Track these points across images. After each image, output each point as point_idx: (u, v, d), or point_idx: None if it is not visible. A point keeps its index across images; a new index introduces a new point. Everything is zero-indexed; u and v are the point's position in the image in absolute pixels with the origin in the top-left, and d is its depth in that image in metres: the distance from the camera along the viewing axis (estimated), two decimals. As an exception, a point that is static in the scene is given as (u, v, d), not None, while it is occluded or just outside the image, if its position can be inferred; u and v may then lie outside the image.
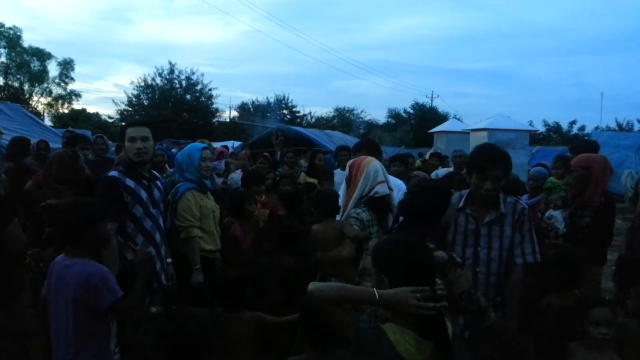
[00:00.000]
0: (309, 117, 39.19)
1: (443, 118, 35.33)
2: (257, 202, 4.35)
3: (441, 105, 48.79)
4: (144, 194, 3.08)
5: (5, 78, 35.58)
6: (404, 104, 56.36)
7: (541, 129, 35.22)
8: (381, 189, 3.13)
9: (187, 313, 2.30)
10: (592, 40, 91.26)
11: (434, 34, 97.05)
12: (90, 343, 2.32)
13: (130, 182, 3.03)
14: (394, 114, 44.38)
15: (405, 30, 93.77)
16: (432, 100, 44.54)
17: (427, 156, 10.07)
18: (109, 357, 2.42)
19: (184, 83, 33.95)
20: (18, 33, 35.17)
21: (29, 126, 9.70)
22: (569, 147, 6.81)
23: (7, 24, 35.00)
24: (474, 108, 74.73)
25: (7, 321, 2.57)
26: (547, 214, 4.34)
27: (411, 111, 43.60)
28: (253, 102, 39.54)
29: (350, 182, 3.25)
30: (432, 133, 15.14)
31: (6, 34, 34.85)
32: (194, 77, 33.98)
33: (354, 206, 3.19)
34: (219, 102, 37.94)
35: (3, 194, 4.11)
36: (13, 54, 35.07)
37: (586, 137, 21.81)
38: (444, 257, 2.19)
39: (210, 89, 34.50)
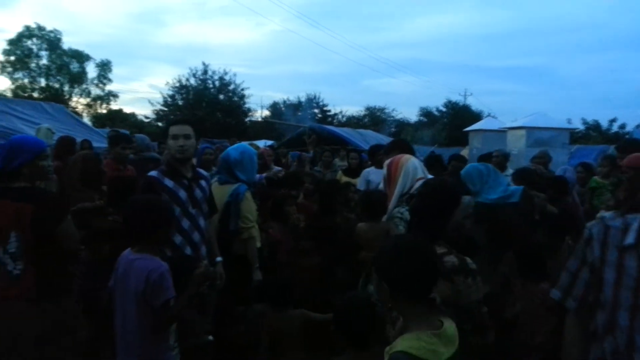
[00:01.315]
0: (340, 116, 39.22)
1: (477, 116, 34.74)
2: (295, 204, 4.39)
3: (475, 103, 47.99)
4: (182, 194, 3.11)
5: (47, 79, 36.94)
6: (436, 102, 55.82)
7: (580, 127, 34.16)
8: None
9: (248, 311, 2.34)
10: (630, 36, 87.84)
11: (465, 31, 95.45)
12: (151, 336, 2.37)
13: (168, 182, 3.09)
14: (426, 113, 43.93)
15: (436, 28, 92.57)
16: (465, 98, 43.88)
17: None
18: (169, 351, 2.47)
19: (217, 83, 34.43)
20: (58, 36, 36.46)
21: (72, 126, 10.01)
22: (615, 146, 6.57)
23: (48, 27, 36.34)
24: (508, 106, 73.17)
25: (60, 316, 2.67)
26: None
27: (444, 109, 43.07)
28: (284, 102, 39.86)
29: (390, 180, 3.21)
30: (467, 132, 14.87)
31: (47, 37, 36.16)
32: (227, 78, 34.44)
33: (395, 205, 3.15)
34: (251, 102, 38.38)
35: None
36: (53, 56, 36.34)
37: (627, 136, 21.01)
38: (454, 262, 2.05)
39: (242, 89, 34.92)
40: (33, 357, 2.58)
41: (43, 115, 10.04)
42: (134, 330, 2.35)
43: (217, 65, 45.57)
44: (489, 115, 28.38)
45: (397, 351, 1.51)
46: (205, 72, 34.25)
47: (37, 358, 2.59)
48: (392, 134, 27.98)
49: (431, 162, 5.88)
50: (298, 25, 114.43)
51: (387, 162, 3.33)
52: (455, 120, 37.25)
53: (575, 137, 25.48)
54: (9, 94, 33.19)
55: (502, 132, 12.76)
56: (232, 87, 34.61)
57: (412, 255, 1.61)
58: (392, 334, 1.86)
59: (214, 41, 75.58)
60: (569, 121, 25.68)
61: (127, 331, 2.38)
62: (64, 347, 2.70)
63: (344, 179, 5.89)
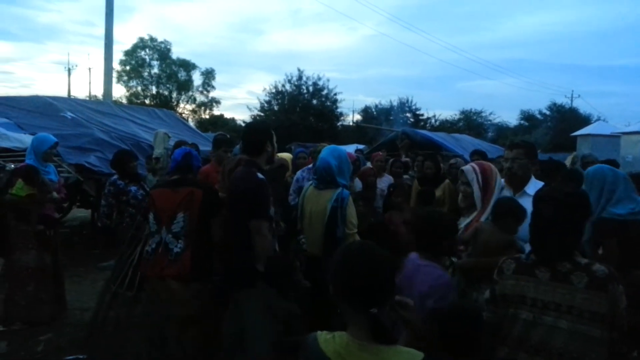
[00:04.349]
0: (433, 120, 38.33)
1: (585, 120, 32.30)
2: None
3: (582, 106, 44.40)
4: None
5: (157, 87, 40.18)
6: (538, 105, 52.65)
7: None
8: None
9: None
10: None
11: (570, 30, 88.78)
12: None
13: None
14: (528, 116, 41.54)
15: (538, 27, 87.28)
16: (572, 101, 40.89)
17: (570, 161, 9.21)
18: None
19: (310, 89, 35.26)
20: (168, 46, 39.57)
21: (182, 130, 10.74)
22: None
23: (159, 39, 39.55)
24: (621, 109, 67.21)
25: (207, 299, 2.98)
26: None
27: (548, 112, 40.47)
28: (376, 106, 39.78)
29: (486, 186, 3.15)
30: (575, 136, 13.84)
31: (158, 48, 39.38)
32: (320, 83, 35.16)
33: (489, 211, 3.07)
34: (343, 106, 38.70)
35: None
36: (163, 65, 39.48)
37: None
38: (604, 271, 1.96)
39: (335, 94, 35.43)
40: (177, 336, 2.88)
41: (156, 120, 10.89)
42: None
43: (311, 71, 46.58)
44: (599, 118, 26.28)
45: None
46: (299, 77, 35.29)
47: (181, 337, 2.88)
48: (491, 140, 26.81)
49: (550, 168, 5.29)
50: (391, 28, 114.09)
51: (476, 167, 3.25)
52: (560, 124, 34.89)
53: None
54: (123, 101, 36.65)
55: (614, 137, 11.75)
56: (325, 92, 35.30)
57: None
58: None
59: (309, 47, 77.80)
60: (695, 125, 22.90)
61: None
62: (206, 331, 2.97)
63: (419, 188, 5.50)
